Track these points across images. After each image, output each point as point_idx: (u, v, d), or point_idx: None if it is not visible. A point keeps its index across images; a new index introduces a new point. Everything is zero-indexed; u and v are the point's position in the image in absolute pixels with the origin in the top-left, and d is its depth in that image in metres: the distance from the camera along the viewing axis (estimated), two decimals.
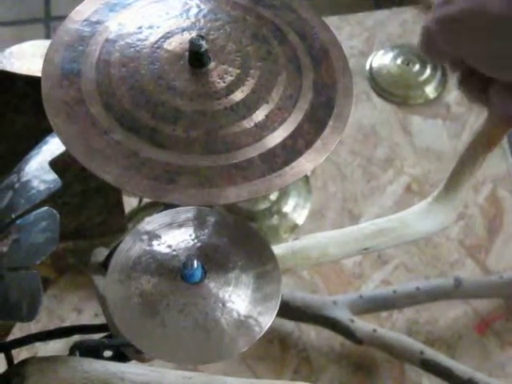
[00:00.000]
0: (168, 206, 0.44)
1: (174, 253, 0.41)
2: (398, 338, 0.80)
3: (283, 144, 0.36)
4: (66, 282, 0.88)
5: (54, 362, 0.40)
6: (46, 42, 0.69)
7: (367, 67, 1.07)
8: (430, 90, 1.05)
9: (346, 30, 1.12)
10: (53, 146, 0.48)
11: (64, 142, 0.35)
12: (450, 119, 1.03)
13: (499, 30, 0.37)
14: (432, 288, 0.84)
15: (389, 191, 0.97)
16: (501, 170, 0.97)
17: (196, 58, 0.36)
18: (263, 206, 0.94)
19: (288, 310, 0.82)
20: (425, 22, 0.43)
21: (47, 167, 0.45)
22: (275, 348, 0.85)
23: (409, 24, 1.12)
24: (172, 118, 0.35)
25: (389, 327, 0.86)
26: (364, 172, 0.99)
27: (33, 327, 0.81)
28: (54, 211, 0.41)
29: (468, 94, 0.44)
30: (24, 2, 1.24)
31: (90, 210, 0.56)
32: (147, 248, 0.41)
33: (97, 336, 0.47)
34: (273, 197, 0.95)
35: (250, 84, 0.37)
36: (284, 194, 0.95)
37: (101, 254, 0.49)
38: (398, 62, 1.07)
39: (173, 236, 0.42)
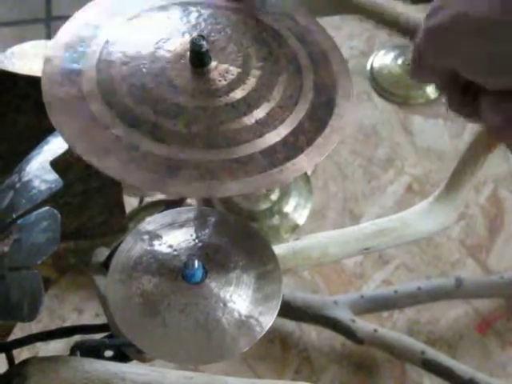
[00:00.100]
0: (169, 206, 0.44)
1: (175, 253, 0.41)
2: (399, 338, 0.80)
3: (284, 141, 0.36)
4: (67, 281, 0.88)
5: (54, 362, 0.40)
6: (47, 42, 0.69)
7: (368, 67, 1.07)
8: (431, 90, 1.05)
9: (347, 30, 1.12)
10: (54, 146, 0.48)
11: (66, 139, 0.35)
12: (451, 119, 1.03)
13: (490, 33, 0.37)
14: (433, 288, 0.84)
15: (390, 191, 0.97)
16: (502, 169, 0.97)
17: (197, 57, 0.36)
18: (264, 205, 0.94)
19: (289, 310, 0.82)
20: (414, 45, 0.42)
21: (48, 167, 0.45)
22: (276, 348, 0.85)
23: None
24: (173, 113, 0.35)
25: (390, 327, 0.86)
26: (365, 172, 0.99)
27: (34, 327, 0.81)
28: (55, 211, 0.41)
29: (460, 113, 0.44)
30: (25, 2, 1.24)
31: (91, 210, 0.56)
32: (148, 248, 0.41)
33: (98, 336, 0.47)
34: (274, 197, 0.95)
35: (250, 83, 0.37)
36: (285, 193, 0.95)
37: (102, 253, 0.49)
38: (399, 61, 1.07)
39: (174, 236, 0.42)
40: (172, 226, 0.43)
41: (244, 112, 0.36)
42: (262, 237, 0.43)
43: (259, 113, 0.36)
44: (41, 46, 0.68)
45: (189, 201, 0.72)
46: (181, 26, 0.39)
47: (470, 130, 1.01)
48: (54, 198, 0.43)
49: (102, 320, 0.47)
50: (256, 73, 0.37)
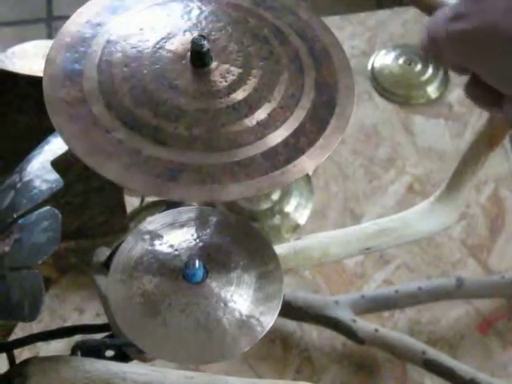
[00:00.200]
0: (170, 206, 0.44)
1: (176, 252, 0.41)
2: (399, 338, 0.80)
3: (285, 142, 0.36)
4: (68, 281, 0.88)
5: (55, 361, 0.40)
6: (48, 42, 0.69)
7: (369, 67, 1.07)
8: (432, 90, 1.05)
9: (348, 30, 1.11)
10: (55, 146, 0.48)
11: (66, 141, 0.35)
12: (451, 119, 1.02)
13: None
14: (434, 288, 0.84)
15: (391, 191, 0.97)
16: (503, 169, 0.97)
17: (198, 57, 0.36)
18: (265, 205, 0.94)
19: (290, 310, 0.82)
20: (429, 27, 0.41)
21: (49, 167, 0.45)
22: (277, 348, 0.85)
23: (411, 24, 1.12)
24: (174, 116, 0.35)
25: (391, 327, 0.86)
26: (366, 172, 0.99)
27: (35, 327, 0.81)
28: (56, 211, 0.41)
29: (475, 100, 0.43)
30: (26, 1, 1.24)
31: (91, 210, 0.56)
32: (149, 248, 0.41)
33: (99, 336, 0.47)
34: (275, 197, 0.95)
35: (251, 83, 0.37)
36: (286, 193, 0.95)
37: (103, 253, 0.49)
38: (400, 61, 1.07)
39: (175, 236, 0.42)
40: (173, 225, 0.43)
41: (245, 114, 0.36)
42: (263, 237, 0.43)
43: (260, 114, 0.36)
44: (42, 45, 0.68)
45: None
46: (182, 24, 0.38)
47: (471, 129, 1.01)
48: (54, 198, 0.43)
49: (102, 320, 0.47)
50: (257, 73, 0.37)
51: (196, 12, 0.39)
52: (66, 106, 0.35)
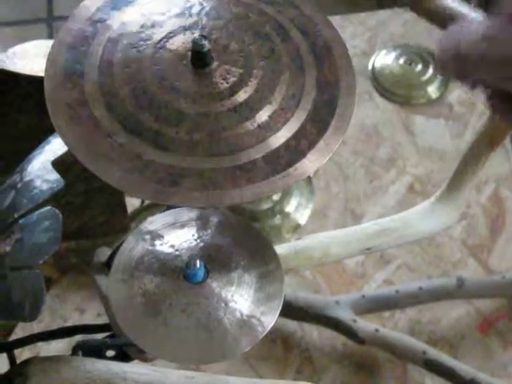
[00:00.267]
0: (171, 206, 0.44)
1: (177, 252, 0.41)
2: (400, 338, 0.80)
3: (286, 145, 0.36)
4: (69, 281, 0.88)
5: (56, 361, 0.40)
6: (49, 42, 0.69)
7: (369, 67, 1.07)
8: (433, 90, 1.05)
9: (349, 30, 1.11)
10: (55, 146, 0.48)
11: (67, 144, 0.34)
12: (452, 119, 1.02)
13: None
14: (434, 288, 0.84)
15: (391, 191, 0.97)
16: (503, 169, 0.97)
17: (199, 57, 0.36)
18: (266, 205, 0.94)
19: (291, 310, 0.82)
20: (455, 43, 0.39)
21: (50, 167, 0.45)
22: (278, 348, 0.85)
23: (411, 24, 1.11)
24: (175, 120, 0.35)
25: (391, 327, 0.86)
26: (366, 172, 0.99)
27: (35, 327, 0.81)
28: (57, 211, 0.41)
29: (500, 113, 0.42)
30: (27, 1, 1.24)
31: (92, 210, 0.56)
32: (150, 248, 0.41)
33: (99, 336, 0.47)
34: (275, 197, 0.95)
35: (252, 84, 0.36)
36: (286, 194, 0.95)
37: (103, 253, 0.49)
38: (401, 61, 1.07)
39: (176, 236, 0.42)
40: (174, 225, 0.43)
41: (246, 116, 0.36)
42: (263, 237, 0.43)
43: (261, 116, 0.36)
44: (42, 45, 0.68)
45: None
46: (183, 21, 0.38)
47: (472, 129, 1.01)
48: (55, 198, 0.43)
49: (103, 320, 0.47)
50: (258, 73, 0.37)
51: (197, 8, 0.39)
52: (67, 109, 0.35)
